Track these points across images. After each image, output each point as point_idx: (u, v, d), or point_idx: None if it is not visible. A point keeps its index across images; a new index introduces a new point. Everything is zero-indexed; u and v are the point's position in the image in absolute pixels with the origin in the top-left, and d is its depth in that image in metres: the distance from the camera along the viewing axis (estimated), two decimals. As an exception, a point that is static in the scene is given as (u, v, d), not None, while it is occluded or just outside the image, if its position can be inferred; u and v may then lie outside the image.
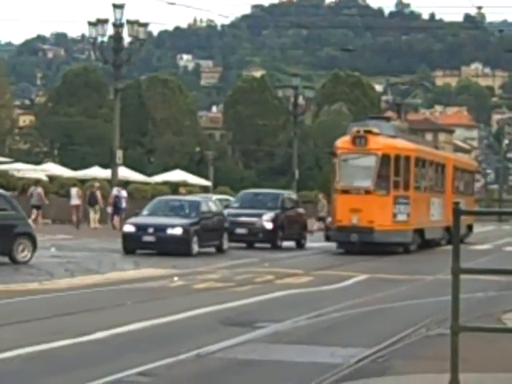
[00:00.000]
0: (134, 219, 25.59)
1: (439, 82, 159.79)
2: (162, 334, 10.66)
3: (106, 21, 33.31)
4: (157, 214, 25.32)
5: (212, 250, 25.69)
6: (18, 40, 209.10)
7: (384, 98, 76.08)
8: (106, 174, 43.43)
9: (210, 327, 11.28)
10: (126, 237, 23.89)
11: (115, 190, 36.94)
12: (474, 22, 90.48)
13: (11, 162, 53.60)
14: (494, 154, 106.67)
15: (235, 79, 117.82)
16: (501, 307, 12.98)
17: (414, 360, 8.88)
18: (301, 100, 49.88)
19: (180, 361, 8.55)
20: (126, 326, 10.80)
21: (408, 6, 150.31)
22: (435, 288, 15.84)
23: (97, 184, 38.08)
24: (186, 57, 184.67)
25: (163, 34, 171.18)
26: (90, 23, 33.58)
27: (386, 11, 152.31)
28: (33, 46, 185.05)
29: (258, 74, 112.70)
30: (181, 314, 12.31)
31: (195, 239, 23.82)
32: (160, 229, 23.57)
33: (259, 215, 27.74)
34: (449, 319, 6.63)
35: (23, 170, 48.30)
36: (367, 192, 25.55)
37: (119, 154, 35.11)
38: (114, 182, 35.32)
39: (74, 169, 54.68)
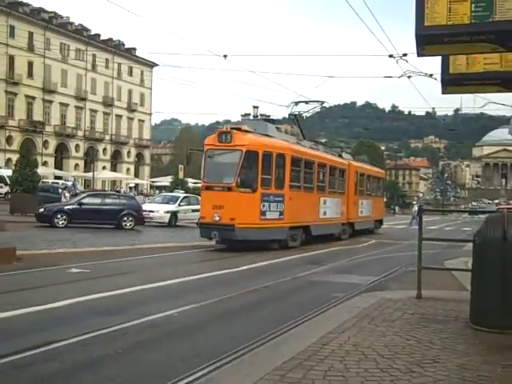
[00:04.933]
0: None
1: (412, 145, 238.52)
2: (277, 267, 15.29)
3: (248, 114, 38.21)
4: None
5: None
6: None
7: (385, 153, 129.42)
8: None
9: (299, 264, 15.88)
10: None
11: None
12: (430, 115, 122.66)
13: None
14: (440, 181, 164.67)
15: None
16: (443, 257, 17.17)
17: (399, 283, 12.02)
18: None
19: (285, 280, 12.55)
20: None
21: (397, 107, 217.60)
22: (410, 247, 20.36)
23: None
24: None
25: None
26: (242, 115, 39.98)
27: (387, 109, 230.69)
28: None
29: (322, 140, 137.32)
30: (283, 258, 17.37)
31: (64, 216, 25.11)
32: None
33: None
34: (416, 263, 9.32)
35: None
36: (229, 189, 19.07)
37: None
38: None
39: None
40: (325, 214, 24.31)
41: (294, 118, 25.79)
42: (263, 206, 19.45)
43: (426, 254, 12.69)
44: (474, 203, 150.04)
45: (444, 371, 5.10)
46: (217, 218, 18.80)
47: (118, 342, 6.72)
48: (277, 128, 22.80)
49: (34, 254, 14.87)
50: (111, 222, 26.50)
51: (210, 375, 5.22)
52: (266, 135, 20.56)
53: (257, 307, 9.56)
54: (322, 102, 25.45)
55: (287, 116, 26.43)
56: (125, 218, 26.71)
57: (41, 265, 13.29)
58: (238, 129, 19.85)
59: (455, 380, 4.87)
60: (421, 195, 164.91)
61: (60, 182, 54.96)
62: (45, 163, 70.62)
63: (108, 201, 27.36)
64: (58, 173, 67.82)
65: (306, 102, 25.69)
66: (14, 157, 51.11)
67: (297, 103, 25.44)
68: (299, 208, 21.34)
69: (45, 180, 49.98)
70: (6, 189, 42.55)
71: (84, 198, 27.09)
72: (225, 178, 19.29)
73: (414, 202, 58.47)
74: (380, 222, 34.52)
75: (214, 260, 16.43)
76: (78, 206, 25.82)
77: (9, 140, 69.76)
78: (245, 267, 14.74)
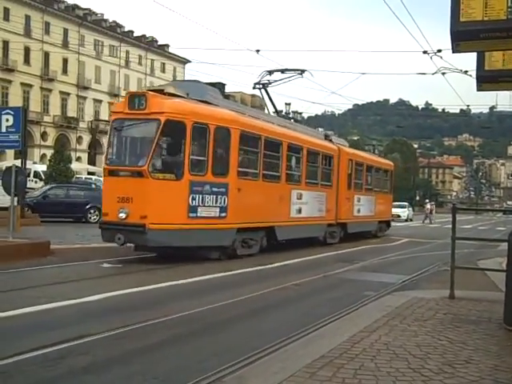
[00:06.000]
0: None
1: (446, 143, 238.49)
2: (308, 265, 15.38)
3: (280, 111, 37.14)
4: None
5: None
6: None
7: (418, 151, 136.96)
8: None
9: (331, 262, 16.07)
10: None
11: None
12: (465, 113, 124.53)
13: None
14: (474, 180, 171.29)
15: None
16: (476, 257, 17.12)
17: (431, 282, 11.96)
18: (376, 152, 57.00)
19: (316, 278, 12.68)
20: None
21: (431, 104, 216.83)
22: (443, 246, 20.05)
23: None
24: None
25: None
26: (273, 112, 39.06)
27: (420, 107, 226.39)
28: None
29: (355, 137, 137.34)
30: (314, 256, 17.55)
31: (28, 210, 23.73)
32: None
33: None
34: (449, 262, 9.18)
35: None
36: (140, 174, 13.34)
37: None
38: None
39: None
40: (300, 211, 19.05)
41: (262, 88, 20.72)
42: (193, 198, 13.93)
43: (460, 253, 12.61)
44: (509, 202, 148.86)
45: (476, 372, 5.05)
46: (122, 216, 13.40)
47: (150, 336, 6.80)
48: (227, 96, 16.93)
49: (67, 249, 15.12)
50: (77, 215, 25.89)
51: (240, 371, 5.24)
52: (205, 102, 15.07)
53: (288, 304, 9.57)
54: (303, 71, 21.31)
55: (253, 85, 20.93)
56: (91, 211, 26.03)
57: (74, 259, 13.52)
58: (161, 91, 14.36)
59: (488, 381, 4.82)
60: (454, 194, 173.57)
61: (93, 177, 55.70)
62: (78, 159, 71.57)
63: (73, 193, 26.85)
64: (92, 168, 68.66)
65: (282, 71, 21.37)
66: (49, 152, 52.07)
67: (271, 72, 21.12)
68: (255, 203, 16.20)
69: (78, 175, 50.71)
70: (40, 184, 43.32)
71: (48, 190, 26.51)
72: (135, 158, 14.12)
73: (427, 200, 58.03)
74: (387, 223, 29.18)
75: (245, 256, 16.38)
76: (42, 199, 25.22)
77: (44, 136, 70.85)
78: (277, 264, 14.82)
